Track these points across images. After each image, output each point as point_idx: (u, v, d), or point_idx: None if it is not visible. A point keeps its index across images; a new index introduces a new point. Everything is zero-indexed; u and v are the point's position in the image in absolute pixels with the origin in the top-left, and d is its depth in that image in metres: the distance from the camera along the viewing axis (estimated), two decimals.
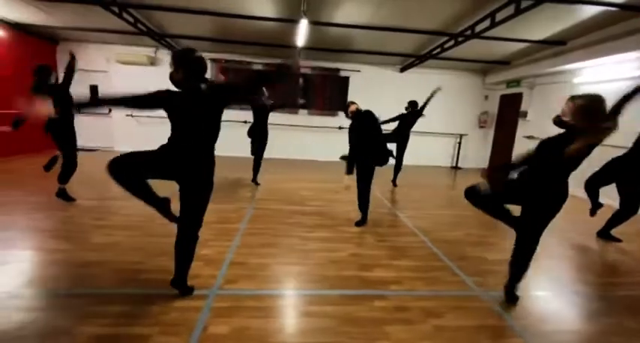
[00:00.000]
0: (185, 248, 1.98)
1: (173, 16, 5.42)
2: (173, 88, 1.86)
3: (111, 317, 1.83)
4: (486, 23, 4.68)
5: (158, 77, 7.62)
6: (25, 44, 6.77)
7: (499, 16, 4.42)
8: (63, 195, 3.80)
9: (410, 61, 7.68)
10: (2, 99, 6.06)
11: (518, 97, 7.75)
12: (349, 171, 3.54)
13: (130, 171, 1.78)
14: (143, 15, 5.64)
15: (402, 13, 4.90)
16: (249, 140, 5.25)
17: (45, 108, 1.65)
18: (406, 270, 2.64)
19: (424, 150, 8.62)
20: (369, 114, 3.52)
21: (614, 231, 3.59)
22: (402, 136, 5.74)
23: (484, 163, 9.01)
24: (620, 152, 3.40)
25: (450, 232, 3.63)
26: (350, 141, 3.57)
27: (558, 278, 2.69)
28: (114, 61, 7.78)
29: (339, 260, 2.75)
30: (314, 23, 5.20)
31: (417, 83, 8.11)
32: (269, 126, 5.20)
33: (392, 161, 4.19)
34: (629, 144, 3.35)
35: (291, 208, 4.16)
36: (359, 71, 8.36)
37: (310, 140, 8.66)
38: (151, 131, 7.32)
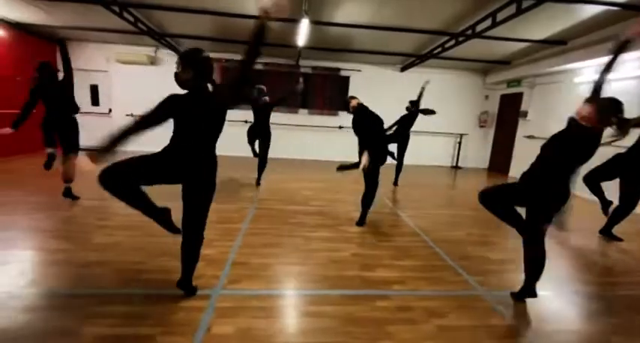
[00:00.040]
0: (191, 249, 1.96)
1: (173, 15, 5.41)
2: (174, 91, 1.80)
3: (113, 317, 1.82)
4: (487, 23, 4.68)
5: (158, 77, 7.74)
6: (25, 44, 6.75)
7: (500, 16, 4.42)
8: (68, 193, 3.84)
9: (410, 60, 7.69)
10: (2, 99, 6.05)
11: (518, 97, 7.75)
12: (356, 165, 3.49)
13: (123, 180, 1.72)
14: (143, 14, 5.63)
15: (402, 12, 4.90)
16: (247, 142, 5.24)
17: (89, 165, 1.65)
18: (408, 270, 2.64)
19: (424, 149, 8.62)
20: (370, 111, 3.51)
21: (615, 230, 3.59)
22: (402, 136, 5.74)
23: (484, 163, 9.02)
24: (620, 152, 3.39)
25: (452, 232, 3.63)
26: (357, 135, 3.51)
27: (559, 278, 2.69)
28: (114, 60, 7.77)
29: (341, 260, 2.75)
30: (315, 23, 5.19)
31: (417, 83, 7.96)
32: (270, 126, 5.19)
33: (392, 161, 4.17)
34: (629, 144, 3.34)
35: (293, 208, 4.16)
36: (359, 71, 8.36)
37: (311, 140, 8.66)
38: (151, 131, 7.29)
